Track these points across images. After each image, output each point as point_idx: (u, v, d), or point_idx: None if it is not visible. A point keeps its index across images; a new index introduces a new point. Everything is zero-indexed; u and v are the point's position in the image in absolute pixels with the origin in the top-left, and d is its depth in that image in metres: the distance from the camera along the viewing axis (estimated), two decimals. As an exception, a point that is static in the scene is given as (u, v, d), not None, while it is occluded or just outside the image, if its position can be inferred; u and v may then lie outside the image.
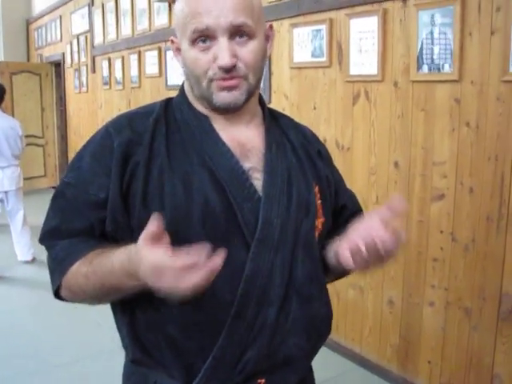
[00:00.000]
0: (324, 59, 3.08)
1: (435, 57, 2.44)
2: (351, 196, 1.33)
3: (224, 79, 1.03)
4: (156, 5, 4.72)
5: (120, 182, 1.02)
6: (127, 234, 1.02)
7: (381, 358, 2.93)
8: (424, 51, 2.49)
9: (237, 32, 1.01)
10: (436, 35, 2.42)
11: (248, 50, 1.03)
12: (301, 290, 1.09)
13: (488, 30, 2.24)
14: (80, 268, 1.01)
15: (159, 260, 0.82)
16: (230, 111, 1.08)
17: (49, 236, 1.08)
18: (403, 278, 2.76)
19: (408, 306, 2.76)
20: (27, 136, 7.10)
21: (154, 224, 0.84)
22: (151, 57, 4.93)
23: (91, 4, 6.29)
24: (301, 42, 3.24)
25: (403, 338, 2.80)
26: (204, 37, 1.01)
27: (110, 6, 5.76)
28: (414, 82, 2.58)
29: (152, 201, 1.01)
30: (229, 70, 1.01)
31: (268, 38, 1.13)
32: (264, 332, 1.04)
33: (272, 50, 3.47)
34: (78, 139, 7.16)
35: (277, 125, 1.19)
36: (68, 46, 7.28)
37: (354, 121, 2.96)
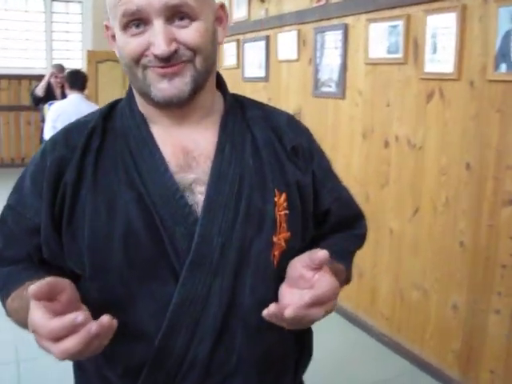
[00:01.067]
0: (400, 55, 3.03)
1: (515, 56, 2.34)
2: (340, 197, 1.09)
3: (162, 67, 0.86)
4: (236, -3, 4.79)
5: (51, 206, 0.90)
6: (64, 262, 0.92)
7: (441, 363, 2.87)
8: (503, 50, 2.39)
9: (175, 14, 0.85)
10: (517, 33, 2.33)
11: (191, 30, 0.86)
12: (249, 321, 0.91)
13: None
14: (13, 303, 0.93)
15: (35, 321, 0.72)
16: (173, 106, 0.90)
17: None
18: (469, 282, 2.69)
19: (472, 312, 2.68)
20: (109, 122, 7.43)
21: (44, 283, 0.73)
22: (229, 48, 5.00)
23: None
24: (377, 37, 3.20)
25: (466, 344, 2.72)
26: (136, 21, 0.85)
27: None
28: (490, 81, 2.49)
29: (76, 225, 0.90)
30: (168, 59, 0.85)
31: (221, 20, 0.95)
32: (195, 369, 0.89)
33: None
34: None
35: (242, 118, 0.99)
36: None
37: (427, 119, 2.89)
